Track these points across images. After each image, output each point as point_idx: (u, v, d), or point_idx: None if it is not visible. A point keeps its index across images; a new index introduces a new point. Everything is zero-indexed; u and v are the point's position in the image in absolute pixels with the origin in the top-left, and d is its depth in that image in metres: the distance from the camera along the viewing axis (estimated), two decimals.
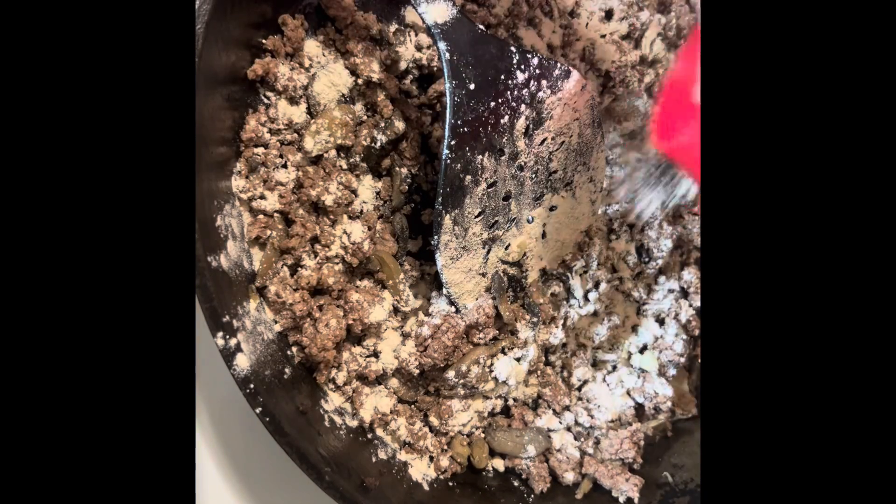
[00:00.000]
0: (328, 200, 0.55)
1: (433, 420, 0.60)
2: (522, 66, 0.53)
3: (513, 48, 0.53)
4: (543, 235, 0.60)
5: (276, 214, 0.56)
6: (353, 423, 0.57)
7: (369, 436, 0.58)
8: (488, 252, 0.57)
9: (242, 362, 0.49)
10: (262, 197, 0.56)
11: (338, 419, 0.56)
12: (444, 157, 0.52)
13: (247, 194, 0.55)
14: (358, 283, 0.58)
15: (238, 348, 0.49)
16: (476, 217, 0.55)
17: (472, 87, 0.51)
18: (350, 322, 0.56)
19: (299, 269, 0.56)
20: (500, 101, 0.52)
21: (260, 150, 0.56)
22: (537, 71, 0.53)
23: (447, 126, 0.51)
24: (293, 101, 0.57)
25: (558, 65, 0.54)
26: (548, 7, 0.64)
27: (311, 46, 0.58)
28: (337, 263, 0.57)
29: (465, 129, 0.52)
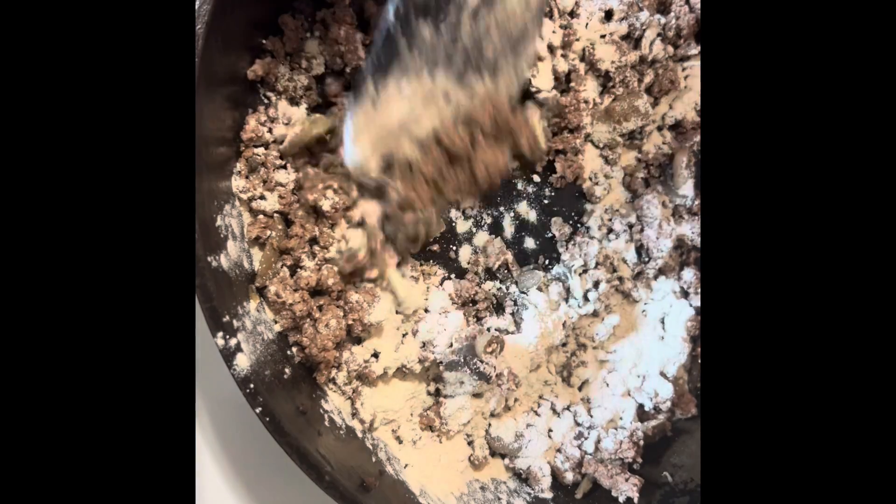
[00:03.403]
0: (325, 205, 0.55)
1: (433, 420, 0.60)
2: None
3: None
4: None
5: (275, 215, 0.56)
6: (354, 423, 0.57)
7: (369, 436, 0.58)
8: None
9: (242, 362, 0.49)
10: (262, 197, 0.56)
11: (338, 419, 0.56)
12: (390, 23, 0.48)
13: (247, 194, 0.55)
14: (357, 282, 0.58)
15: (238, 348, 0.49)
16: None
17: None
18: (350, 322, 0.56)
19: (299, 269, 0.56)
20: None
21: (260, 150, 0.56)
22: None
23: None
24: (293, 101, 0.57)
25: None
26: (548, 7, 0.63)
27: (312, 46, 0.58)
28: (336, 265, 0.57)
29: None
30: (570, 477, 0.62)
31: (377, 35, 0.49)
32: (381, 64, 0.49)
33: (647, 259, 0.65)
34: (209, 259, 0.49)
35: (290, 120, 0.57)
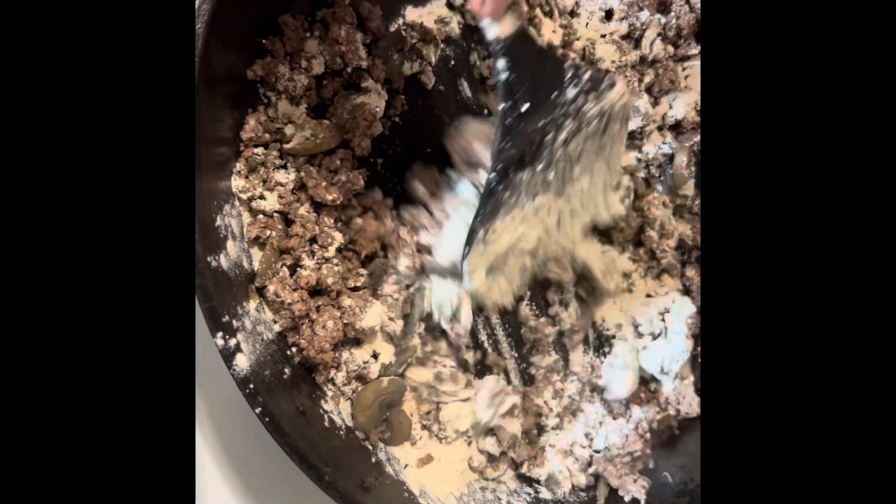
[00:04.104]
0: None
1: (432, 424, 0.60)
2: (574, 82, 0.50)
3: (566, 64, 0.50)
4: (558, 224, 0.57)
5: (275, 215, 0.56)
6: (353, 424, 0.57)
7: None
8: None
9: (242, 362, 0.49)
10: (262, 197, 0.56)
11: (338, 419, 0.56)
12: (489, 180, 0.50)
13: (247, 194, 0.55)
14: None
15: (238, 348, 0.49)
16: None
17: (523, 109, 0.49)
18: (343, 325, 0.56)
19: (298, 268, 0.56)
20: (547, 119, 0.50)
21: (260, 150, 0.56)
22: (588, 85, 0.50)
23: (494, 148, 0.50)
24: (293, 101, 0.57)
25: (607, 75, 0.52)
26: (548, 7, 0.63)
27: (312, 46, 0.58)
28: (336, 265, 0.57)
29: (511, 152, 0.50)
30: (582, 480, 0.62)
31: (483, 193, 0.53)
32: (487, 213, 0.52)
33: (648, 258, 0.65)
34: (209, 259, 0.49)
35: (291, 118, 0.57)
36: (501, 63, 0.47)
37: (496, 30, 0.47)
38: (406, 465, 0.59)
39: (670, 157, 0.66)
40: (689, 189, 0.65)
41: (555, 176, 0.52)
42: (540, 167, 0.52)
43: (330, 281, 0.55)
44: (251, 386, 0.48)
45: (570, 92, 0.50)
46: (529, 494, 0.62)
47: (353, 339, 0.58)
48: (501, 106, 0.49)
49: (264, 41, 0.56)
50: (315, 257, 0.56)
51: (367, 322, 0.57)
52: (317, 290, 0.56)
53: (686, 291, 0.66)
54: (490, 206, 0.51)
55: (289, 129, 0.56)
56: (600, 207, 0.58)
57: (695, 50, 0.65)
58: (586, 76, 0.50)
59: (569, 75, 0.50)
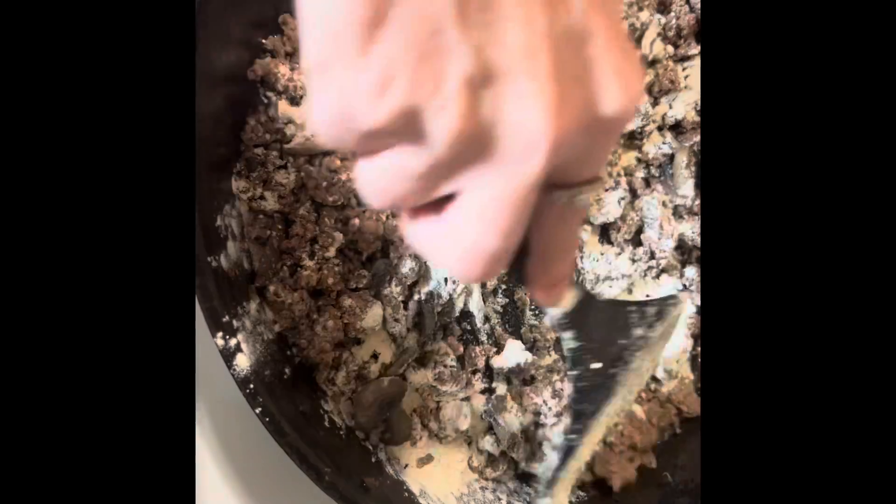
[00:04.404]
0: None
1: (431, 422, 0.60)
2: (639, 320, 0.46)
3: (631, 308, 0.46)
4: None
5: (275, 215, 0.56)
6: (353, 424, 0.57)
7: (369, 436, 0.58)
8: None
9: (242, 362, 0.49)
10: (262, 197, 0.56)
11: (338, 419, 0.56)
12: (569, 440, 0.47)
13: (247, 194, 0.55)
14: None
15: (238, 348, 0.49)
16: None
17: (594, 366, 0.45)
18: (344, 325, 0.56)
19: (299, 269, 0.56)
20: (617, 363, 0.46)
21: (260, 150, 0.56)
22: (653, 319, 0.46)
23: (571, 410, 0.47)
24: (293, 101, 0.57)
25: (672, 301, 0.47)
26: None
27: None
28: (337, 265, 0.57)
29: (587, 405, 0.46)
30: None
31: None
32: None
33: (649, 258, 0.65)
34: (209, 259, 0.49)
35: (291, 118, 0.57)
36: (568, 336, 0.43)
37: (557, 309, 0.43)
38: (406, 465, 0.59)
39: (670, 157, 0.66)
40: (689, 189, 0.65)
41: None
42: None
43: (330, 281, 0.55)
44: (251, 386, 0.48)
45: (637, 331, 0.46)
46: (529, 494, 0.62)
47: (354, 339, 0.58)
48: (572, 373, 0.45)
49: (264, 41, 0.56)
50: (316, 258, 0.56)
51: (368, 322, 0.57)
52: (317, 291, 0.56)
53: (686, 291, 0.66)
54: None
55: (289, 129, 0.56)
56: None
57: (695, 50, 0.65)
58: (651, 311, 0.46)
59: (634, 318, 0.45)
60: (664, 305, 0.46)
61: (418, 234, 0.30)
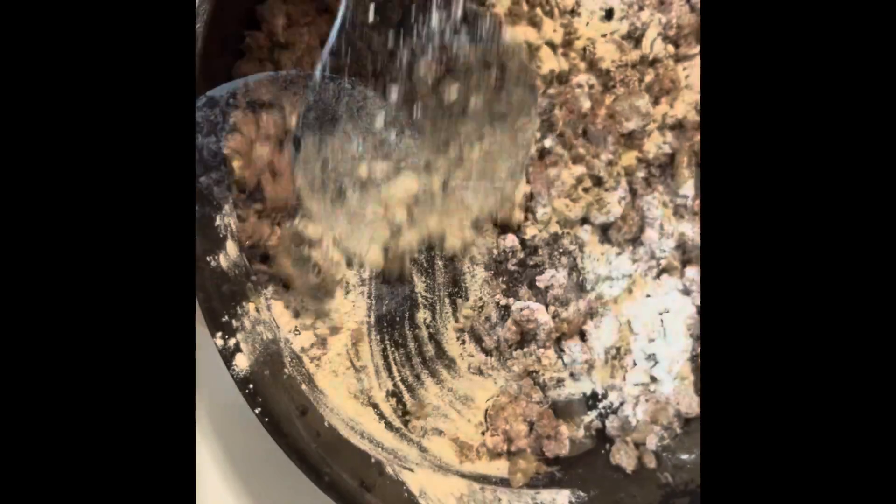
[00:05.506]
0: None
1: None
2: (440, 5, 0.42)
3: None
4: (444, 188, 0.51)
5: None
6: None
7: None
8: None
9: (242, 362, 0.49)
10: None
11: (337, 420, 0.56)
12: (317, 78, 0.44)
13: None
14: None
15: (237, 348, 0.49)
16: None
17: (370, 18, 0.41)
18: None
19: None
20: (401, 41, 0.42)
21: None
22: (457, 15, 0.42)
23: (327, 47, 0.43)
24: None
25: (488, 17, 0.44)
26: (548, 6, 0.63)
27: None
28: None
29: (347, 61, 0.43)
30: None
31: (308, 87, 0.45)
32: (322, 121, 0.45)
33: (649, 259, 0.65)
34: (208, 259, 0.49)
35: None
36: None
37: None
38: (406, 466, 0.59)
39: (670, 157, 0.66)
40: (690, 189, 0.65)
41: (423, 116, 0.44)
42: (395, 95, 0.44)
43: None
44: (251, 386, 0.48)
45: (435, 17, 0.42)
46: (529, 495, 0.62)
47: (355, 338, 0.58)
48: (342, 4, 0.41)
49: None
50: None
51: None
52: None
53: (686, 292, 0.66)
54: (320, 111, 0.44)
55: None
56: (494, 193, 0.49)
57: (695, 49, 0.65)
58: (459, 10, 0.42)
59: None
60: (473, 11, 0.42)
61: None
